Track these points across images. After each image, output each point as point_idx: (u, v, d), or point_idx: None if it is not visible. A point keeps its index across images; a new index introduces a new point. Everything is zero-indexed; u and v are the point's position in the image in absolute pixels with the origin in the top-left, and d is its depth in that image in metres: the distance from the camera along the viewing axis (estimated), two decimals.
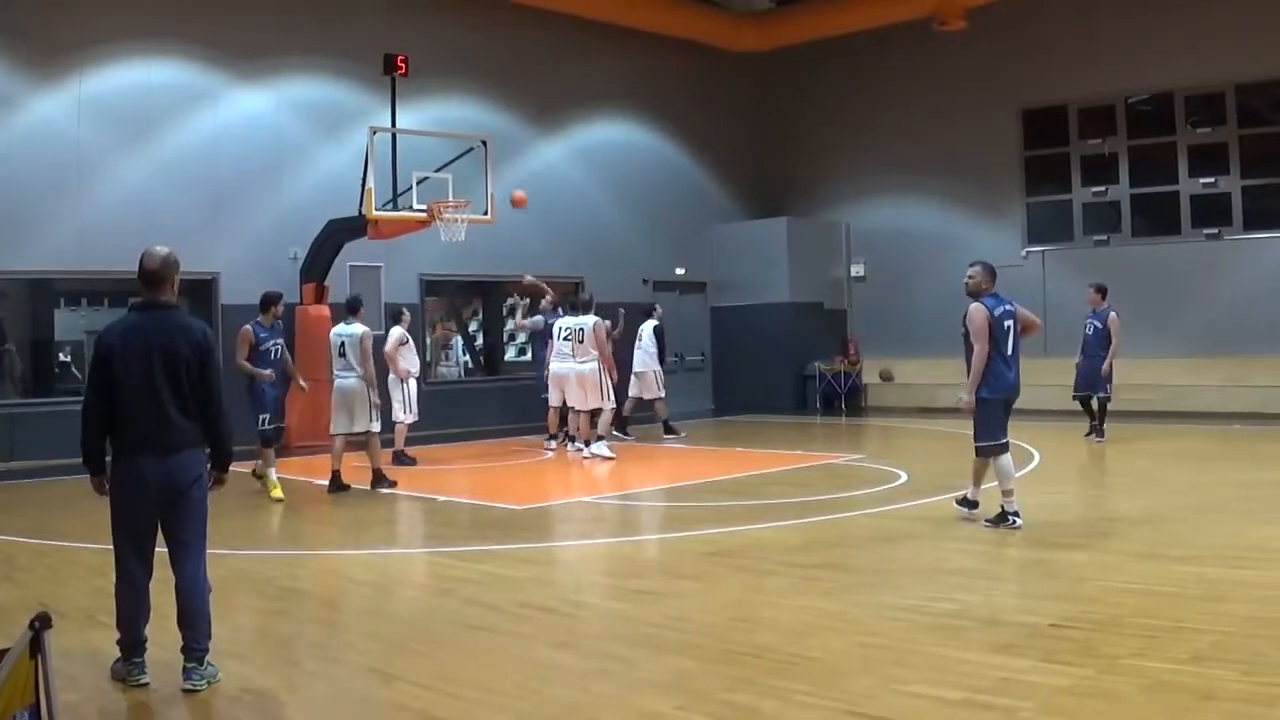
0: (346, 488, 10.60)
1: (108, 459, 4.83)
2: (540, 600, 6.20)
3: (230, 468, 5.04)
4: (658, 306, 16.23)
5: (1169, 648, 4.79)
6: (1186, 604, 5.54)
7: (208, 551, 4.98)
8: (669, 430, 15.60)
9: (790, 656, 4.90)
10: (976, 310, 7.89)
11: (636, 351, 15.59)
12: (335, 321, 11.65)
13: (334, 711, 4.58)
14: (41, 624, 3.20)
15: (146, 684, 4.71)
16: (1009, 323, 7.93)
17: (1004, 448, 7.93)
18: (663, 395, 15.67)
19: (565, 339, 13.22)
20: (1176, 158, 17.68)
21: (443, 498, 10.33)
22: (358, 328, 10.69)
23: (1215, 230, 17.32)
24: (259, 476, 10.53)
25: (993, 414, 7.93)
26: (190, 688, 4.64)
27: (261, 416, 10.19)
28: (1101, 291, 13.42)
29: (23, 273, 13.87)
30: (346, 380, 10.66)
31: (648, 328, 15.63)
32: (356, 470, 10.96)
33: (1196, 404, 16.43)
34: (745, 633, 5.38)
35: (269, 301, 10.34)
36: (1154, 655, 4.69)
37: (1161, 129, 17.88)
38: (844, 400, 19.76)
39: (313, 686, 4.85)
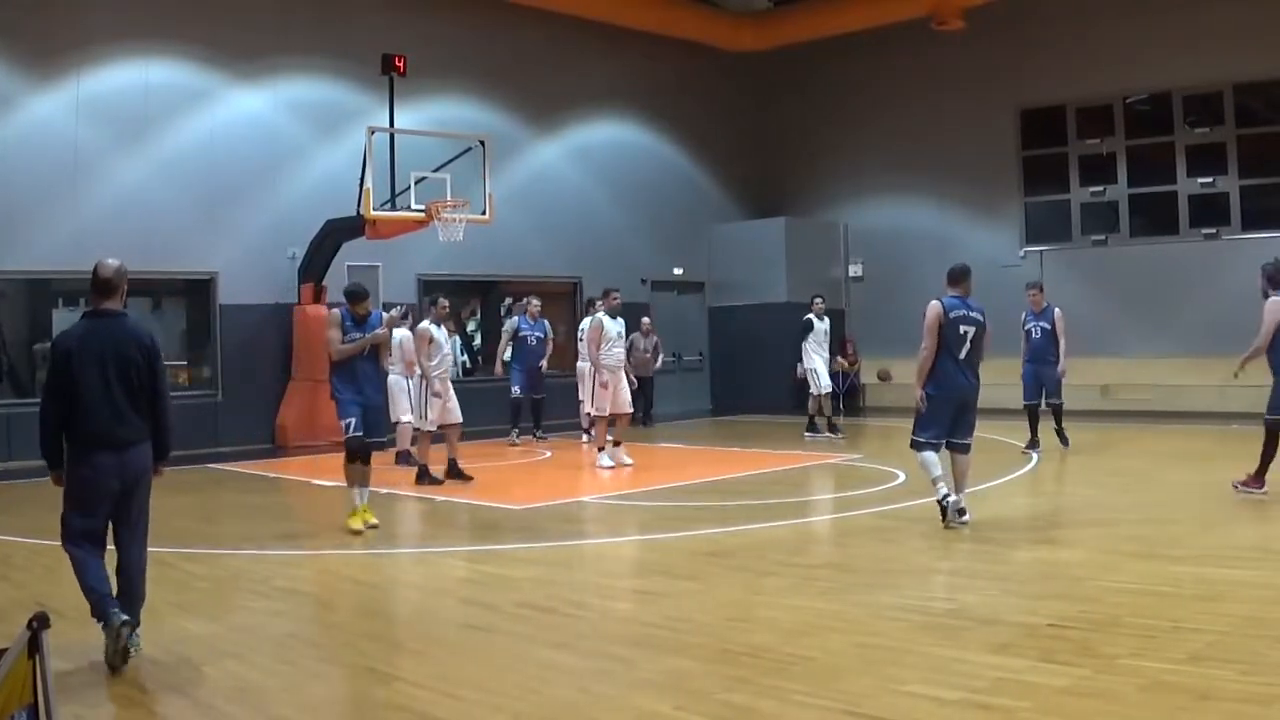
0: (464, 476, 11.07)
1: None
2: (539, 600, 6.19)
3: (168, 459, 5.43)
4: (817, 299, 15.27)
5: (1167, 647, 4.79)
6: (1184, 604, 5.54)
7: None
8: (813, 428, 15.15)
9: (788, 656, 4.89)
10: (931, 307, 7.93)
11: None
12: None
13: (332, 711, 4.58)
14: (39, 624, 3.20)
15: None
16: (964, 327, 7.84)
17: (934, 448, 7.88)
18: (825, 391, 15.14)
19: (580, 340, 13.50)
20: (1175, 158, 17.71)
21: (441, 498, 10.33)
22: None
23: (1213, 230, 17.33)
24: (350, 526, 8.47)
25: (936, 411, 7.87)
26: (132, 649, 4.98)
27: (345, 422, 8.46)
28: (1043, 290, 13.11)
29: (21, 273, 13.88)
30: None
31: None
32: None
33: (1194, 404, 16.43)
34: (743, 633, 5.38)
35: (357, 296, 8.56)
36: (1151, 655, 4.69)
37: (1160, 129, 17.91)
38: (842, 400, 19.74)
39: (311, 686, 4.84)
